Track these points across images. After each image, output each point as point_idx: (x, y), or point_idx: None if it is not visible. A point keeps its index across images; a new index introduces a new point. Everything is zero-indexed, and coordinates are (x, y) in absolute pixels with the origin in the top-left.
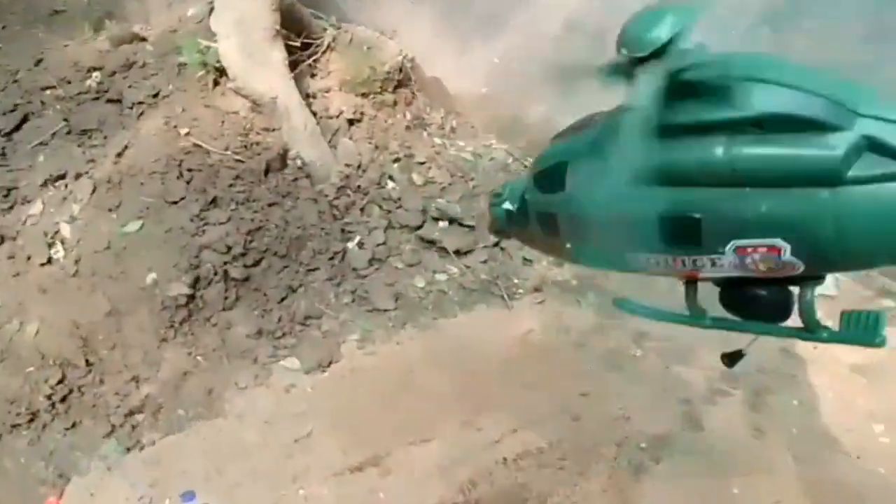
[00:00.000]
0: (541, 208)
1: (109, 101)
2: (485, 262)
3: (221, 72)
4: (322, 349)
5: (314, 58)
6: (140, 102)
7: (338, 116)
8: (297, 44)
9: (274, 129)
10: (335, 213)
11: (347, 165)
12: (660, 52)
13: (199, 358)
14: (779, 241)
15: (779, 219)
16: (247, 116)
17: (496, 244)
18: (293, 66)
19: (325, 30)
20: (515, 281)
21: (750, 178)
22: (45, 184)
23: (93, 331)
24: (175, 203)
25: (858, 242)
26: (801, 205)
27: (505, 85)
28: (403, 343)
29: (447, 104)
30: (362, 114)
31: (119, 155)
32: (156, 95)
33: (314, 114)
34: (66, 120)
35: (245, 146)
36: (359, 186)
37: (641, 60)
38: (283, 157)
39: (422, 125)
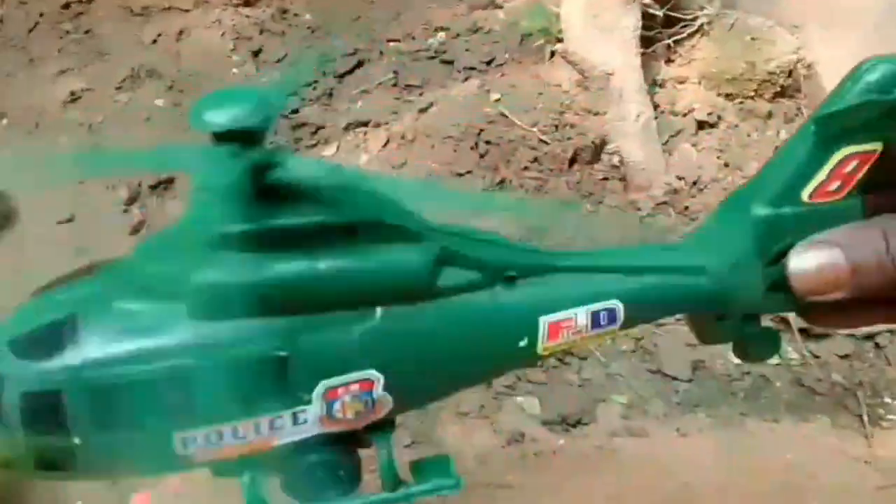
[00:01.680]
0: (31, 387)
1: (443, 61)
2: (846, 356)
3: (562, 41)
4: (574, 401)
5: (677, 37)
6: (471, 67)
7: (685, 115)
8: (660, 14)
9: (597, 113)
10: (644, 234)
11: (679, 178)
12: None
13: None
14: (373, 373)
15: (372, 343)
16: (568, 91)
17: (869, 336)
18: (647, 42)
19: (702, 8)
20: (887, 400)
21: (338, 296)
22: (347, 128)
23: None
24: (460, 176)
25: (446, 357)
26: (394, 321)
27: None
28: (690, 435)
29: None
30: (719, 118)
31: (422, 111)
32: (489, 62)
33: (655, 106)
34: (395, 72)
35: (556, 126)
36: (686, 208)
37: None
38: (599, 148)
39: None
